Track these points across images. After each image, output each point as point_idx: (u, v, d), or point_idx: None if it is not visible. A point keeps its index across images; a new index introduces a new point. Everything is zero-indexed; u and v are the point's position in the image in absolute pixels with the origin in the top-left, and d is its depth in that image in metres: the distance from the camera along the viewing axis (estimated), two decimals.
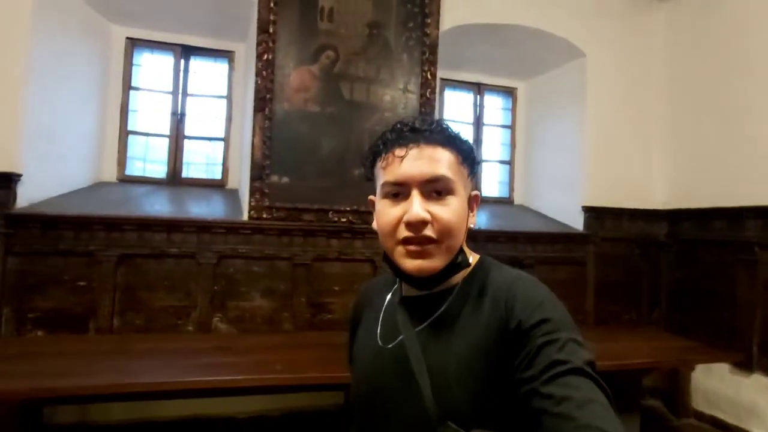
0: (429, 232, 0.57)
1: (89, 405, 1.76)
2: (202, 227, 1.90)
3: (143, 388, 1.24)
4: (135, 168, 2.32)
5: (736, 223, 2.06)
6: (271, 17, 1.96)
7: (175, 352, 1.54)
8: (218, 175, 2.40)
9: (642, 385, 1.66)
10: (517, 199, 2.81)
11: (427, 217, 0.57)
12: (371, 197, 0.68)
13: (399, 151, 0.60)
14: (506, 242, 2.31)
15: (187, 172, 2.37)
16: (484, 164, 2.80)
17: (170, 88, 2.37)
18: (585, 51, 2.37)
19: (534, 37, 2.35)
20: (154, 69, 2.39)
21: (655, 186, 2.49)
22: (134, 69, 2.36)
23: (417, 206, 0.57)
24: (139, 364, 1.39)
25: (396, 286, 0.70)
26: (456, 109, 2.77)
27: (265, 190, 1.97)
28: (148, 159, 2.34)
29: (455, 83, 2.74)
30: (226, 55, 2.43)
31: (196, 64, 2.44)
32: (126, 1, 2.11)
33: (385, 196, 0.61)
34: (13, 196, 1.72)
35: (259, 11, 1.97)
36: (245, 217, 1.97)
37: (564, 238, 2.37)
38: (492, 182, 2.87)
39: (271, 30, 1.96)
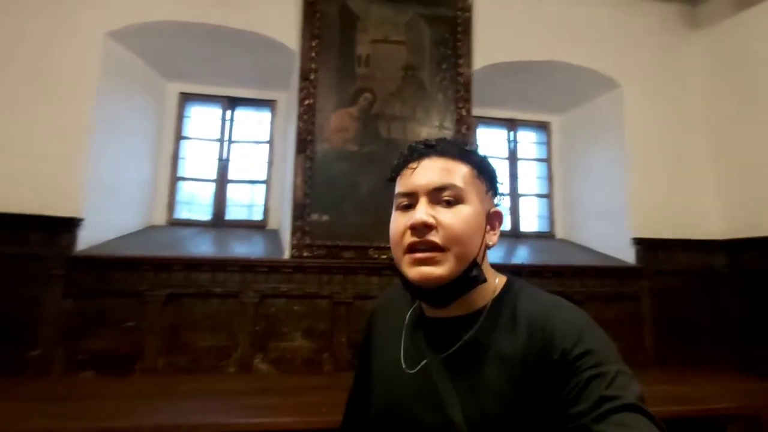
0: (434, 237, 0.56)
1: None
2: (245, 266, 1.92)
3: (192, 431, 1.20)
4: (182, 211, 2.42)
5: None
6: (312, 66, 2.09)
7: (220, 393, 1.51)
8: (259, 216, 2.47)
9: None
10: (559, 233, 2.72)
11: (430, 220, 0.57)
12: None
13: (412, 164, 0.61)
14: (552, 277, 2.21)
15: (231, 214, 2.45)
16: (521, 198, 2.75)
17: (217, 137, 2.52)
18: (620, 82, 2.36)
19: (566, 71, 2.38)
20: (202, 119, 2.57)
21: (708, 215, 2.35)
22: (185, 120, 2.54)
23: (421, 210, 0.57)
24: (186, 405, 1.36)
25: (415, 305, 0.68)
26: (490, 145, 2.78)
27: (306, 229, 2.00)
28: (195, 203, 2.45)
29: (488, 120, 2.77)
30: (268, 103, 2.59)
31: (240, 113, 2.60)
32: (181, 61, 2.32)
33: (397, 207, 0.61)
34: (74, 240, 1.83)
35: (301, 60, 2.11)
36: (287, 255, 1.99)
37: (614, 271, 2.24)
38: (531, 216, 2.81)
39: (312, 77, 2.08)
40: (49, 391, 1.50)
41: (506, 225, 2.69)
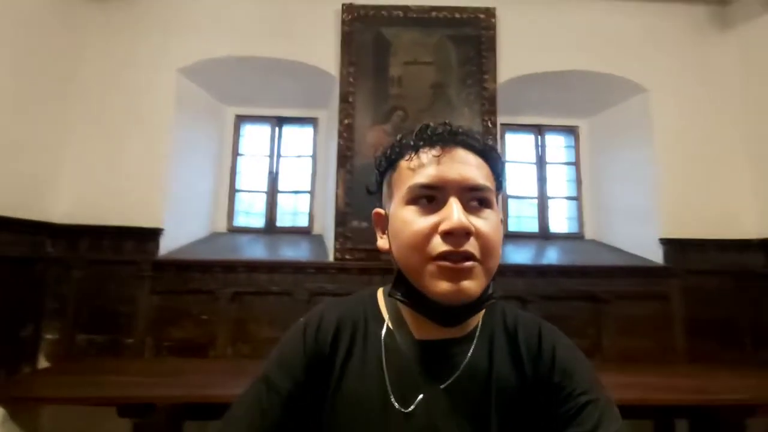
0: (471, 247, 0.48)
1: (209, 422, 2.07)
2: (297, 268, 2.21)
3: None
4: (240, 220, 2.76)
5: None
6: (350, 89, 2.34)
7: None
8: (305, 223, 2.76)
9: (745, 428, 1.53)
10: (588, 234, 2.79)
11: (471, 227, 0.48)
12: (378, 210, 0.60)
13: (434, 151, 0.52)
14: (580, 277, 2.31)
15: (281, 221, 2.76)
16: (551, 201, 2.86)
17: (267, 152, 2.84)
18: (646, 86, 2.42)
19: (591, 78, 2.47)
20: (254, 137, 2.90)
21: (743, 215, 2.35)
22: (240, 139, 2.88)
23: (458, 212, 0.48)
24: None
25: (387, 324, 0.57)
26: (518, 151, 2.91)
27: (348, 234, 2.25)
28: (250, 212, 2.79)
29: (516, 126, 2.90)
30: (311, 121, 2.87)
31: (287, 130, 2.90)
32: (237, 88, 2.65)
33: (412, 201, 0.51)
34: (157, 247, 2.19)
35: (340, 85, 2.36)
36: (331, 258, 2.26)
37: (642, 271, 2.31)
38: (560, 218, 2.90)
39: (350, 99, 2.33)
40: (142, 369, 1.85)
41: (535, 226, 2.81)
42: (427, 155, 0.52)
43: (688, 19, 2.48)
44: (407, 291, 0.53)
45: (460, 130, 0.54)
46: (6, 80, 1.85)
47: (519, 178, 2.87)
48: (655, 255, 2.35)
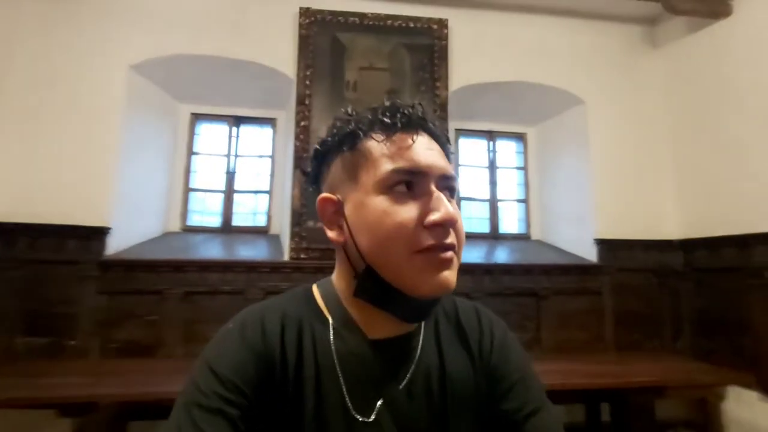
0: (452, 238, 0.46)
1: (156, 421, 2.04)
2: (250, 267, 2.22)
3: None
4: (194, 219, 2.73)
5: (745, 249, 2.13)
6: (307, 92, 2.38)
7: None
8: (263, 223, 2.77)
9: (653, 408, 1.71)
10: (534, 235, 2.98)
11: (457, 218, 0.46)
12: (329, 196, 0.51)
13: (410, 134, 0.48)
14: (522, 275, 2.47)
15: (237, 221, 2.75)
16: (502, 203, 3.02)
17: (224, 152, 2.82)
18: (583, 99, 2.62)
19: (536, 89, 2.65)
20: (211, 136, 2.87)
21: (666, 218, 2.60)
22: (195, 137, 2.84)
23: (446, 203, 0.46)
24: None
25: (335, 325, 0.51)
26: (471, 155, 3.05)
27: (303, 234, 2.29)
28: (206, 211, 2.76)
29: (469, 132, 3.04)
30: (270, 121, 2.88)
31: (245, 130, 2.89)
32: (192, 86, 2.62)
33: (388, 188, 0.46)
34: (104, 246, 2.14)
35: (297, 87, 2.40)
36: (286, 257, 2.29)
37: (577, 269, 2.50)
38: (511, 220, 3.07)
39: (306, 102, 2.37)
40: (85, 370, 1.81)
41: (486, 227, 2.96)
42: (401, 138, 0.47)
43: (622, 37, 2.71)
44: (375, 288, 0.47)
45: (427, 116, 0.51)
46: None
47: (471, 181, 3.01)
48: (590, 254, 2.55)
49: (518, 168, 3.11)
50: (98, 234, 2.13)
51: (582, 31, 2.68)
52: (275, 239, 2.60)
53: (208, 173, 2.83)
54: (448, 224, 0.45)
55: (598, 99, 2.63)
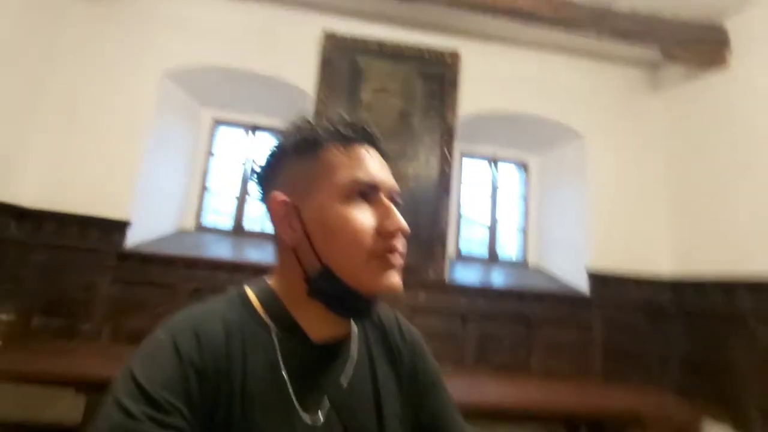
0: (403, 246, 0.52)
1: None
2: (258, 270, 2.35)
3: None
4: (209, 219, 2.88)
5: (732, 296, 2.21)
6: (323, 108, 2.54)
7: None
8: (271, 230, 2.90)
9: None
10: (532, 261, 3.07)
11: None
12: (282, 198, 0.52)
13: (366, 148, 0.53)
14: (516, 300, 2.57)
15: (248, 224, 2.90)
16: (500, 228, 3.13)
17: (241, 157, 2.99)
18: (583, 134, 2.75)
19: (539, 121, 2.78)
20: (228, 141, 3.04)
21: (659, 255, 2.68)
22: (214, 140, 3.01)
23: (400, 216, 0.51)
24: None
25: (277, 332, 0.51)
26: (474, 177, 3.18)
27: None
28: (219, 212, 2.91)
29: (474, 154, 3.17)
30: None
31: (261, 136, 3.06)
32: (216, 93, 2.80)
33: (348, 199, 0.50)
34: (123, 238, 2.29)
35: (315, 104, 2.56)
36: None
37: (569, 300, 2.59)
38: (510, 245, 3.17)
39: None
40: (98, 351, 1.94)
41: (484, 250, 3.07)
42: (358, 151, 0.51)
43: (624, 79, 2.84)
44: (331, 288, 0.49)
45: (378, 134, 0.55)
46: None
47: (472, 202, 3.14)
48: (583, 285, 2.64)
49: (520, 195, 3.23)
50: (119, 227, 2.28)
51: (586, 69, 2.82)
52: None
53: (224, 176, 2.98)
54: (404, 234, 0.50)
55: (597, 135, 2.75)
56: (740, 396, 2.08)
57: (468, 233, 3.09)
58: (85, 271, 2.20)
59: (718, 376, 2.23)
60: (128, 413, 0.40)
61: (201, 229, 2.81)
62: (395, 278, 0.50)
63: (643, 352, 2.56)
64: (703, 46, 2.38)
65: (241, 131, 3.03)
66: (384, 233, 0.49)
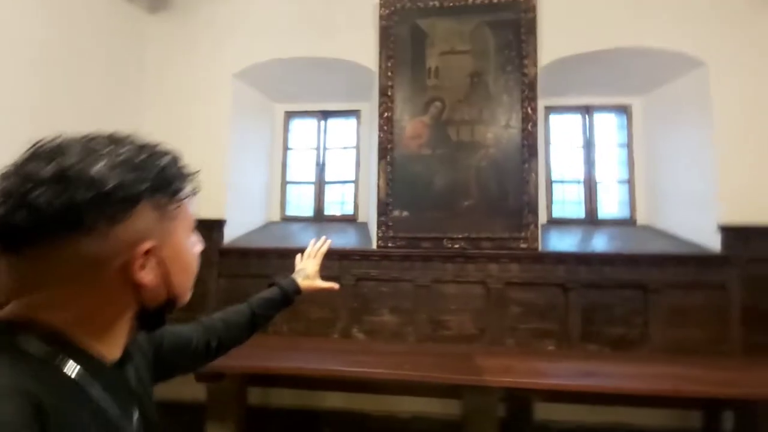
0: None
1: (269, 388, 2.36)
2: (343, 255, 2.39)
3: (313, 373, 1.70)
4: (291, 209, 3.00)
5: None
6: (389, 83, 2.42)
7: (330, 351, 2.02)
8: (350, 212, 2.93)
9: None
10: (640, 220, 2.68)
11: None
12: (149, 244, 0.47)
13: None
14: (626, 265, 2.26)
15: (328, 210, 2.96)
16: (600, 185, 2.76)
17: (314, 145, 3.03)
18: (704, 60, 2.23)
19: (641, 55, 2.33)
20: (302, 131, 3.09)
21: None
22: (289, 134, 3.09)
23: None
24: (308, 357, 1.90)
25: (78, 370, 0.44)
26: (564, 134, 2.83)
27: (389, 223, 2.38)
28: (300, 202, 3.01)
29: (561, 108, 2.80)
30: (354, 113, 3.00)
31: (332, 123, 3.06)
32: (284, 86, 2.84)
33: (191, 233, 0.58)
34: (222, 236, 2.48)
35: (379, 78, 2.45)
36: (374, 246, 2.41)
37: (696, 260, 2.20)
38: (611, 203, 2.80)
39: (389, 93, 2.41)
40: None
41: (581, 212, 2.74)
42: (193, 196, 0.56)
43: None
44: (161, 314, 0.52)
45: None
46: (76, 84, 2.18)
47: (564, 161, 2.80)
48: (713, 242, 2.23)
49: (620, 145, 2.80)
50: (218, 225, 2.47)
51: None
52: (363, 227, 2.74)
53: (301, 166, 3.06)
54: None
55: (721, 60, 2.22)
56: None
57: (561, 195, 2.78)
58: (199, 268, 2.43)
59: None
60: None
61: (286, 219, 2.93)
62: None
63: None
64: None
65: (313, 121, 3.06)
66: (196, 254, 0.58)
